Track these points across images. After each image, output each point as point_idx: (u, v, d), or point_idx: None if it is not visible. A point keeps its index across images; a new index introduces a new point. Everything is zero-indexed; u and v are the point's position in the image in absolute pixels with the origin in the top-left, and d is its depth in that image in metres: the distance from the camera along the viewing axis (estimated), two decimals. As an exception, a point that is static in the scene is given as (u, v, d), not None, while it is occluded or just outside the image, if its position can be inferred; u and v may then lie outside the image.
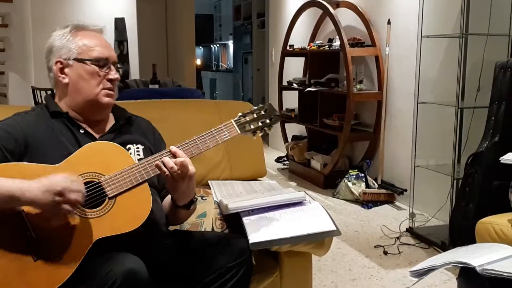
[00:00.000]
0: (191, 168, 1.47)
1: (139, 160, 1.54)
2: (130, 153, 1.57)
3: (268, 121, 1.57)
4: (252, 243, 1.63)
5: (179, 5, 7.73)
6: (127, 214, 1.42)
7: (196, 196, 1.62)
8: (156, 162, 1.45)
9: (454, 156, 3.06)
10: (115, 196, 1.42)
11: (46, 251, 1.35)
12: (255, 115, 1.56)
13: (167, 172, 1.44)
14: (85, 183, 1.39)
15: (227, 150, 2.27)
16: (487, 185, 2.69)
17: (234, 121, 1.55)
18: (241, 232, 1.69)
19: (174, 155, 1.47)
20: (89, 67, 1.54)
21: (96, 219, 1.40)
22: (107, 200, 1.41)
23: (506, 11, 2.93)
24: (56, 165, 1.41)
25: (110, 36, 5.79)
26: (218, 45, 12.43)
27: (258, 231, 1.69)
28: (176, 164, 1.44)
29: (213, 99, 11.15)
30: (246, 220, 1.75)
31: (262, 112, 1.57)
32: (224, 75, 11.06)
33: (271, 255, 1.85)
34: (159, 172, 1.46)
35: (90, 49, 1.54)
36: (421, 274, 1.51)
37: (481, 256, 1.49)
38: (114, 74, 1.57)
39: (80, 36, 1.56)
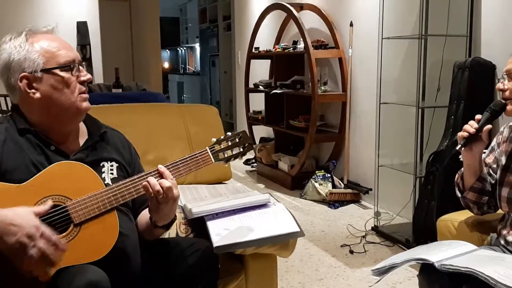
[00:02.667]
0: (176, 192, 1.44)
1: (112, 179, 1.51)
2: (103, 171, 1.51)
3: (241, 149, 1.56)
4: (216, 247, 1.63)
5: (143, 8, 7.65)
6: (92, 243, 1.35)
7: (175, 216, 1.57)
8: (144, 183, 1.41)
9: (416, 155, 3.12)
10: (81, 223, 1.35)
11: (6, 282, 1.28)
12: (229, 143, 1.55)
13: (152, 194, 1.41)
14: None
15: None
16: (447, 182, 2.76)
17: (209, 148, 1.52)
18: (206, 236, 1.69)
19: (161, 176, 1.43)
20: (60, 74, 1.42)
21: None
22: (72, 226, 1.34)
23: (463, 12, 3.01)
24: (21, 184, 1.33)
25: (72, 40, 5.66)
26: (184, 48, 12.36)
27: (222, 234, 1.69)
28: (162, 188, 1.40)
29: (181, 102, 11.08)
30: (210, 224, 1.75)
31: (236, 140, 1.56)
32: (191, 78, 11.01)
33: (236, 258, 1.85)
34: (129, 198, 1.42)
35: (55, 55, 1.42)
36: (382, 272, 1.54)
37: (440, 252, 1.53)
38: (85, 75, 1.47)
39: (38, 42, 1.42)
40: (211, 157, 1.51)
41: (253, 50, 5.39)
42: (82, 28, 5.92)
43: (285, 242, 1.80)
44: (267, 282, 1.89)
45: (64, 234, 1.33)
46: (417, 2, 3.01)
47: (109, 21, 7.23)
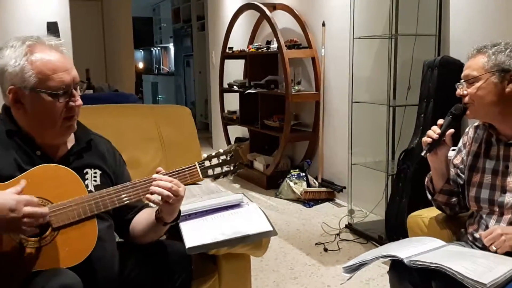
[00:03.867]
0: (182, 189, 1.46)
1: (95, 186, 1.50)
2: (87, 178, 1.50)
3: (231, 168, 1.55)
4: (189, 248, 1.63)
5: (115, 8, 7.57)
6: (69, 248, 1.35)
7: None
8: (147, 195, 1.42)
9: (388, 153, 3.17)
10: (60, 227, 1.35)
11: None
12: (219, 160, 1.54)
13: (161, 202, 1.42)
14: None
15: (164, 155, 2.25)
16: (418, 180, 2.80)
17: (198, 164, 1.52)
18: (179, 238, 1.68)
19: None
20: (46, 99, 1.39)
21: (36, 249, 1.32)
22: (50, 230, 1.34)
23: (432, 12, 3.07)
24: (3, 183, 1.32)
25: (42, 40, 5.55)
26: (158, 48, 12.27)
27: (195, 235, 1.69)
28: (170, 191, 1.42)
29: (156, 103, 10.99)
30: (182, 225, 1.75)
31: (227, 158, 1.55)
32: (166, 78, 10.93)
33: (209, 258, 1.85)
34: (111, 207, 1.42)
35: (48, 78, 1.38)
36: (353, 269, 1.56)
37: (409, 249, 1.56)
38: (76, 101, 1.44)
39: (36, 60, 1.38)
40: (200, 173, 1.51)
41: (227, 50, 5.39)
42: (52, 29, 5.81)
43: (258, 241, 1.81)
44: (241, 282, 1.90)
45: (41, 236, 1.33)
46: (387, 2, 3.05)
47: (80, 21, 7.12)
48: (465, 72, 1.63)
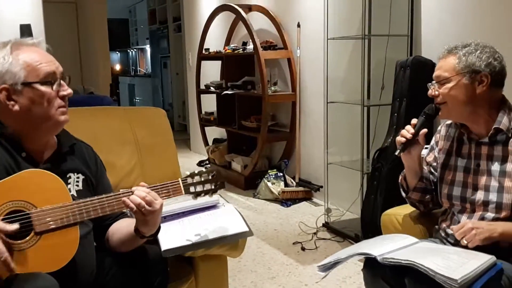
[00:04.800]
0: (158, 201, 1.47)
1: (77, 191, 1.52)
2: (70, 182, 1.52)
3: (213, 186, 1.59)
4: (164, 250, 1.63)
5: (90, 10, 7.49)
6: (50, 254, 1.35)
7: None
8: (124, 198, 1.44)
9: (362, 152, 3.21)
10: (42, 232, 1.35)
11: None
12: (202, 178, 1.57)
13: (135, 209, 1.43)
14: (13, 212, 1.32)
15: (140, 157, 2.24)
16: (392, 178, 2.84)
17: (182, 180, 1.55)
18: (155, 240, 1.68)
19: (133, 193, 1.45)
20: (40, 89, 1.42)
21: (16, 252, 1.31)
22: (32, 234, 1.34)
23: (404, 13, 3.12)
24: None
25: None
26: (135, 49, 12.17)
27: (171, 238, 1.69)
28: (143, 201, 1.43)
29: (133, 105, 10.90)
30: (158, 227, 1.75)
31: (209, 177, 1.59)
32: (142, 80, 10.85)
33: (186, 260, 1.85)
34: (94, 216, 1.43)
35: (36, 69, 1.42)
36: (328, 268, 1.58)
37: (382, 246, 1.58)
38: (66, 90, 1.48)
39: (22, 55, 1.43)
40: (182, 189, 1.54)
41: (203, 52, 5.39)
42: (25, 31, 5.72)
43: (234, 242, 1.82)
44: (218, 283, 1.90)
45: (23, 240, 1.33)
46: (360, 4, 3.09)
47: (54, 23, 7.03)
48: (436, 72, 1.65)
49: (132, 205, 1.43)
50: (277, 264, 2.92)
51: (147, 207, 1.44)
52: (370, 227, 2.92)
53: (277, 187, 4.21)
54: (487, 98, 1.60)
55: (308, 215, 3.79)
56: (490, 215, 1.59)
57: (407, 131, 1.69)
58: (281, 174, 4.32)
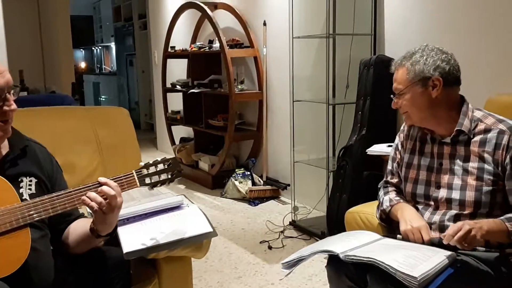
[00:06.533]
0: (120, 199, 1.44)
1: (30, 194, 1.47)
2: (22, 186, 1.46)
3: (169, 176, 1.55)
4: (126, 253, 1.60)
5: (52, 6, 7.30)
6: (1, 258, 1.31)
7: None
8: (83, 197, 1.39)
9: (328, 150, 3.23)
10: None
11: None
12: (157, 168, 1.53)
13: (95, 208, 1.39)
14: None
15: (102, 158, 2.20)
16: (357, 175, 2.89)
17: (136, 172, 1.50)
18: (117, 243, 1.65)
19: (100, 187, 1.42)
20: None
21: None
22: None
23: (368, 12, 3.16)
24: None
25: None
26: (100, 47, 11.95)
27: (133, 240, 1.66)
28: (105, 198, 1.40)
29: (98, 103, 10.70)
30: (120, 230, 1.71)
31: (165, 166, 1.54)
32: (108, 78, 10.66)
33: (149, 262, 1.83)
34: (45, 216, 1.38)
35: None
36: (291, 265, 1.58)
37: (345, 243, 1.59)
38: (9, 106, 1.40)
39: None
40: (137, 181, 1.50)
41: (169, 50, 5.32)
42: (-17, 28, 5.54)
43: (198, 243, 1.80)
44: (182, 284, 1.88)
45: None
46: (324, 3, 3.11)
47: (15, 20, 6.83)
48: (393, 86, 1.70)
49: (92, 203, 1.39)
50: (244, 263, 2.91)
51: (107, 205, 1.40)
52: (336, 224, 2.94)
53: (244, 186, 4.20)
54: (445, 100, 1.64)
55: (275, 214, 3.79)
56: (453, 212, 1.62)
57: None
58: (249, 173, 4.32)
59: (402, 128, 1.85)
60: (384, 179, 1.88)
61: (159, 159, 1.55)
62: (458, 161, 1.63)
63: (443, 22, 2.79)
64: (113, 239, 1.67)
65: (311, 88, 3.70)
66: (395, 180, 1.84)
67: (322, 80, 3.31)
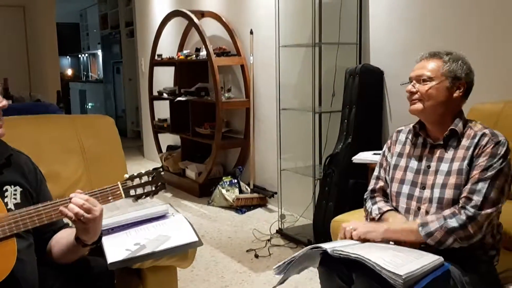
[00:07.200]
0: (97, 208, 1.43)
1: (15, 204, 1.46)
2: (7, 196, 1.46)
3: (153, 188, 1.57)
4: (111, 263, 1.59)
5: (39, 14, 7.26)
6: None
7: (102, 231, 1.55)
8: (61, 208, 1.39)
9: (314, 158, 3.24)
10: None
11: None
12: (141, 180, 1.55)
13: (74, 218, 1.39)
14: None
15: (87, 167, 2.18)
16: (343, 183, 2.90)
17: (121, 184, 1.52)
18: (102, 253, 1.64)
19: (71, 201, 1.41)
20: None
21: None
22: None
23: (353, 21, 3.19)
24: None
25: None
26: (86, 54, 11.89)
27: (117, 249, 1.65)
28: (81, 209, 1.39)
29: (84, 111, 10.63)
30: (105, 239, 1.70)
31: (149, 179, 1.56)
32: (94, 85, 10.60)
33: (134, 272, 1.81)
34: (31, 227, 1.38)
35: None
36: (282, 269, 1.59)
37: (334, 243, 1.62)
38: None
39: None
40: (122, 192, 1.51)
41: (156, 57, 5.32)
42: (-32, 35, 5.50)
43: (183, 252, 1.79)
44: (167, 294, 1.87)
45: None
46: (310, 12, 3.13)
47: (1, 28, 6.79)
48: (418, 72, 1.71)
49: (70, 214, 1.38)
50: (230, 272, 2.90)
51: (86, 214, 1.40)
52: (322, 232, 2.95)
53: (231, 194, 4.19)
54: (457, 105, 1.71)
55: (262, 222, 3.79)
56: (433, 211, 1.65)
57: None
58: (236, 181, 4.31)
59: (391, 135, 1.90)
60: (369, 188, 1.89)
61: (143, 171, 1.57)
62: (444, 164, 1.67)
63: (427, 31, 2.83)
64: (98, 249, 1.67)
65: (297, 96, 3.71)
66: (381, 184, 1.85)
67: (308, 88, 3.33)
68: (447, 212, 1.61)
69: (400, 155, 1.79)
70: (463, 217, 1.57)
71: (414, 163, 1.74)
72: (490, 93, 2.46)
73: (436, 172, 1.68)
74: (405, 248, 1.60)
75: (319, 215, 2.99)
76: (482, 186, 1.59)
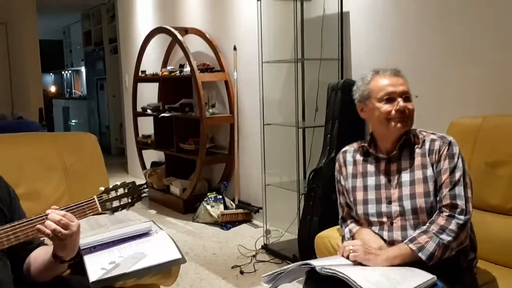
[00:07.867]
0: (75, 223, 1.41)
1: None
2: None
3: (129, 200, 1.57)
4: (93, 282, 1.57)
5: (21, 31, 7.22)
6: None
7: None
8: (38, 226, 1.37)
9: (298, 173, 3.25)
10: None
11: None
12: (117, 193, 1.55)
13: (51, 235, 1.37)
14: None
15: (68, 184, 2.17)
16: (327, 198, 2.90)
17: (97, 197, 1.51)
18: (84, 271, 1.62)
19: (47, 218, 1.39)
20: None
21: None
22: None
23: (334, 37, 3.23)
24: None
25: None
26: (70, 71, 11.83)
27: (99, 268, 1.63)
28: (58, 225, 1.38)
29: (68, 128, 10.55)
30: (86, 258, 1.68)
31: (125, 190, 1.56)
32: (78, 102, 10.53)
33: (116, 291, 1.78)
34: (7, 245, 1.36)
35: None
36: (272, 278, 1.59)
37: (323, 261, 1.62)
38: None
39: None
40: (98, 206, 1.51)
41: (140, 74, 5.31)
42: (-51, 52, 5.44)
43: (167, 270, 1.77)
44: (151, 313, 1.85)
45: None
46: (292, 28, 3.16)
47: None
48: (401, 88, 1.70)
49: (47, 231, 1.37)
50: (215, 289, 2.88)
51: (63, 231, 1.38)
52: (307, 247, 2.94)
53: (216, 210, 4.18)
54: None
55: (247, 238, 3.77)
56: (410, 223, 1.65)
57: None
58: (221, 196, 4.29)
59: (337, 157, 1.87)
60: (340, 216, 1.90)
61: (118, 183, 1.57)
62: (404, 174, 1.69)
63: (406, 48, 2.87)
64: (80, 267, 1.64)
65: (281, 112, 3.73)
66: (346, 210, 1.86)
67: (291, 103, 3.35)
68: (432, 226, 1.60)
69: (354, 176, 1.78)
70: (454, 227, 1.58)
71: (372, 180, 1.74)
72: (468, 107, 2.51)
73: (400, 184, 1.68)
74: (397, 268, 1.59)
75: (304, 230, 2.98)
76: (460, 190, 1.62)
